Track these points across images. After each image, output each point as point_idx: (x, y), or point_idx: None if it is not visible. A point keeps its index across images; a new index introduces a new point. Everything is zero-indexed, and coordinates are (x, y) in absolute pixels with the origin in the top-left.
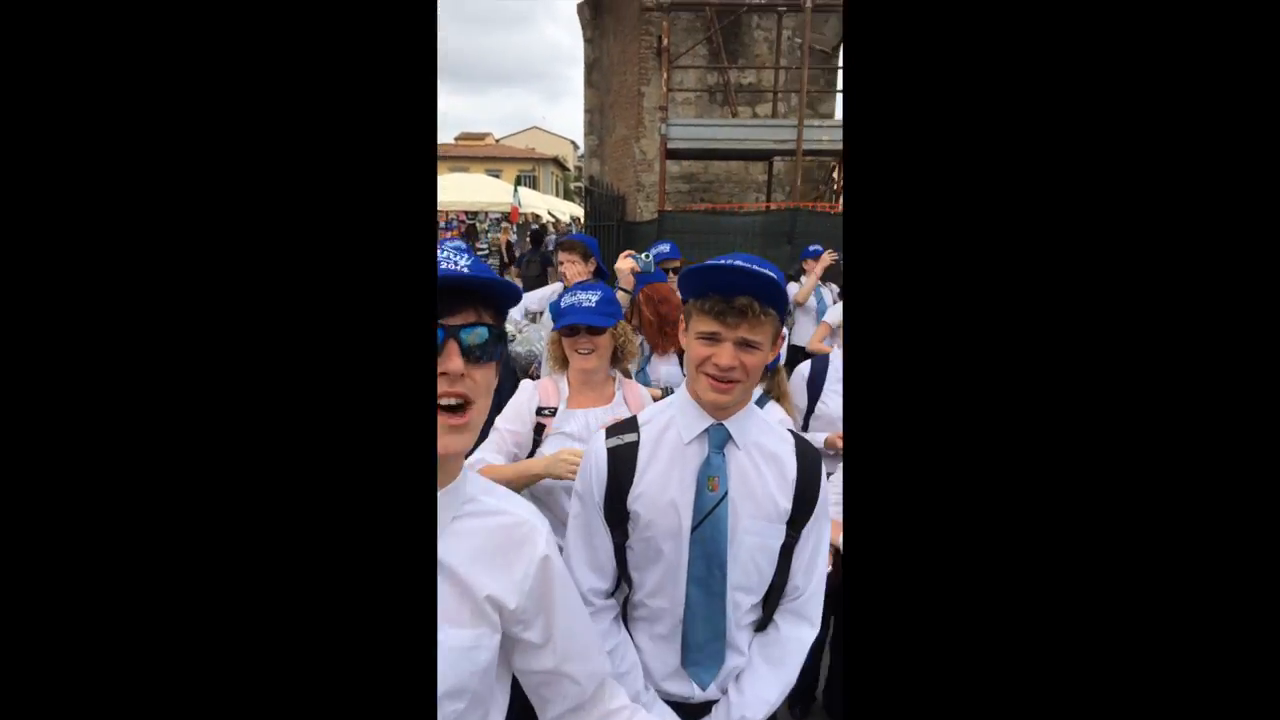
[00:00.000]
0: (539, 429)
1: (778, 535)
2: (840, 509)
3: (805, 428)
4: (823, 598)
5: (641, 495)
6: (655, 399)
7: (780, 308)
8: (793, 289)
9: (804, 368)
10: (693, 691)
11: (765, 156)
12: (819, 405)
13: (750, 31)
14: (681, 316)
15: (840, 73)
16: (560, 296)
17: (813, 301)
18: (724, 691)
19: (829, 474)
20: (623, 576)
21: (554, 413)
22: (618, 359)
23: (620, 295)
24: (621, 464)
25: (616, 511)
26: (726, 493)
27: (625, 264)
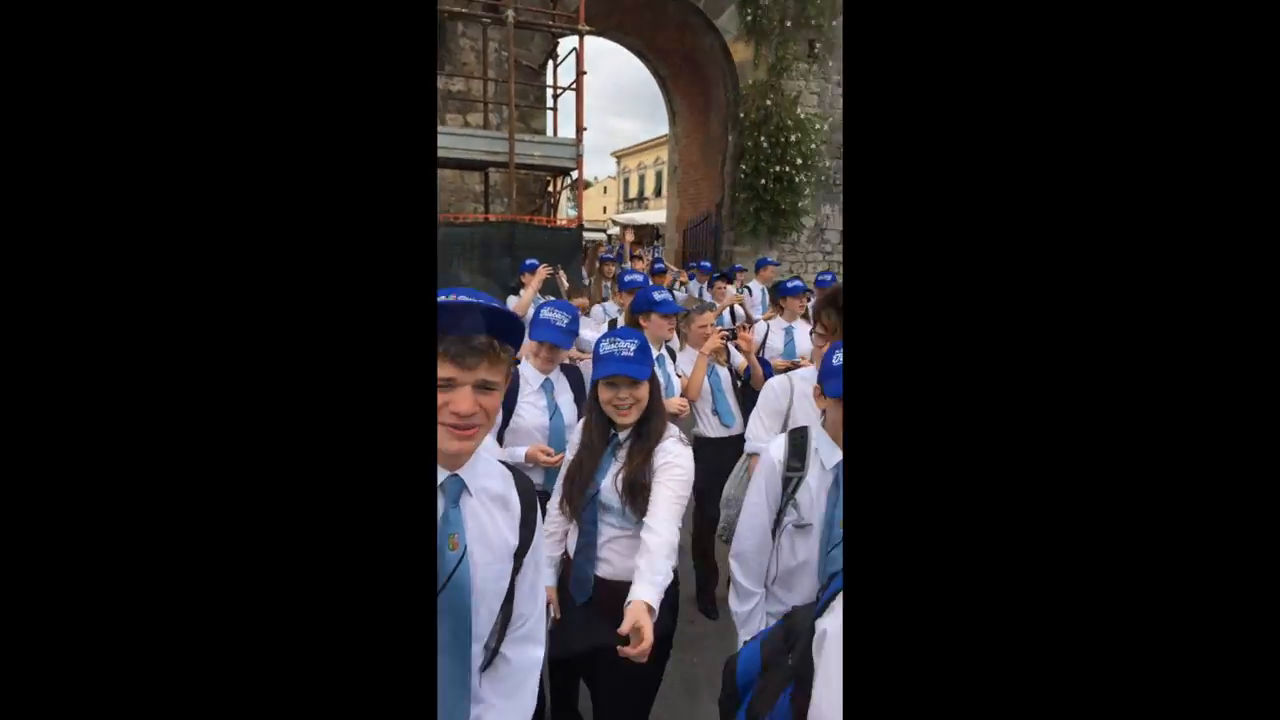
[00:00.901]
0: None
1: (509, 573)
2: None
3: (501, 441)
4: (544, 615)
5: None
6: None
7: (517, 344)
8: (512, 301)
9: None
10: None
11: (478, 167)
12: (514, 419)
13: (456, 39)
14: None
15: (549, 91)
16: None
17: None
18: None
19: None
20: None
21: None
22: None
23: None
24: None
25: None
26: (466, 547)
27: None
